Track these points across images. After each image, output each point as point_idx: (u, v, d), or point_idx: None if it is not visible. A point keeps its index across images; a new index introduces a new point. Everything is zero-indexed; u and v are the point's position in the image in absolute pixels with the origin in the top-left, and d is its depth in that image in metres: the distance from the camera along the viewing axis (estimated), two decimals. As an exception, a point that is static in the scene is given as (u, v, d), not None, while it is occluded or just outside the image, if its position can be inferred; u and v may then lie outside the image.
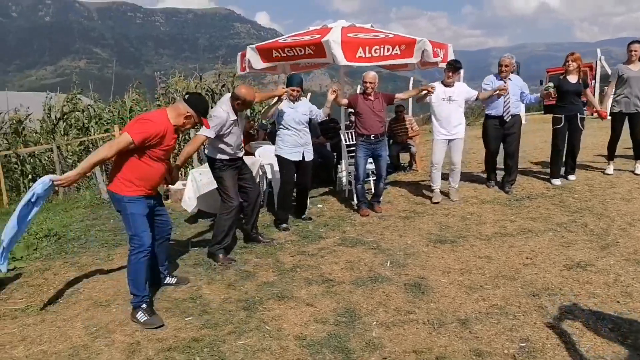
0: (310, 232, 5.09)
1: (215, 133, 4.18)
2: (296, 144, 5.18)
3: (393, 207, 5.88)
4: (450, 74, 5.72)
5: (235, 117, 4.34)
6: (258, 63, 6.43)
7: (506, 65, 5.97)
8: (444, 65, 6.44)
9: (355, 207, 5.80)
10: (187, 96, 3.49)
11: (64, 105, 12.68)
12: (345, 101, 5.69)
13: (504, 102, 5.94)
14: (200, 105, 3.45)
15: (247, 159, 6.24)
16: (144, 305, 3.25)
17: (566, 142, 6.16)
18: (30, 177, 11.10)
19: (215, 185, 5.40)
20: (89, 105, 12.72)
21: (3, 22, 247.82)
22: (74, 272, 4.24)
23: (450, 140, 5.78)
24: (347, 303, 3.43)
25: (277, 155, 5.29)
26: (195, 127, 3.90)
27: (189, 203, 5.48)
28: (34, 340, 3.06)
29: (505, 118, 5.99)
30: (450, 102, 5.69)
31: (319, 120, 5.70)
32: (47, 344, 3.00)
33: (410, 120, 8.31)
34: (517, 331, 2.94)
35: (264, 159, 6.29)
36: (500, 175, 6.37)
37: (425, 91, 5.69)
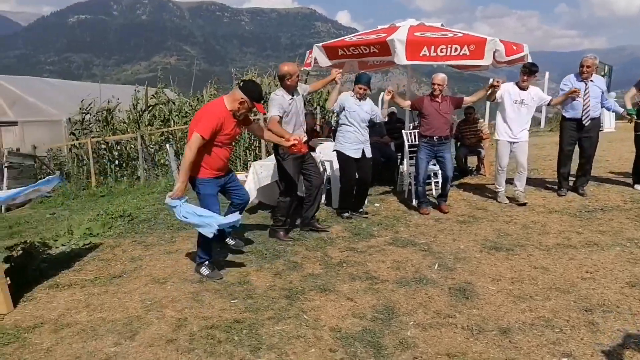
0: (363, 230, 5.12)
1: (280, 111, 4.44)
2: (357, 141, 5.25)
3: (452, 211, 5.74)
4: (525, 77, 5.59)
5: (291, 97, 4.55)
6: (324, 61, 6.55)
7: (588, 66, 5.68)
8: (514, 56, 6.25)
9: (416, 206, 5.80)
10: (242, 83, 3.77)
11: (150, 98, 13.65)
12: (407, 103, 5.69)
13: (584, 104, 5.66)
14: (252, 91, 3.70)
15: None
16: (207, 263, 3.85)
17: None
18: (116, 162, 12.09)
19: (275, 179, 5.61)
20: (171, 99, 13.58)
21: (105, 20, 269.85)
22: (139, 250, 4.60)
23: (513, 143, 5.65)
24: (387, 301, 3.43)
25: (337, 151, 5.38)
26: (252, 112, 4.08)
27: (250, 194, 5.71)
28: (96, 307, 3.39)
29: (584, 122, 5.69)
30: (522, 106, 5.58)
31: (379, 122, 5.70)
32: (107, 312, 3.31)
33: (482, 123, 8.04)
34: (560, 345, 2.80)
35: (324, 155, 6.39)
36: (571, 181, 6.06)
37: (492, 88, 5.51)
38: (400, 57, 5.79)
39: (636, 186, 6.06)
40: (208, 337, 2.95)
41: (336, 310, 3.31)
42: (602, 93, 5.81)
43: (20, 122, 15.40)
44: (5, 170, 11.03)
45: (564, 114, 5.95)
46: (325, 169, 6.42)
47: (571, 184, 6.13)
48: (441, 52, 5.84)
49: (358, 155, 5.28)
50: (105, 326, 3.11)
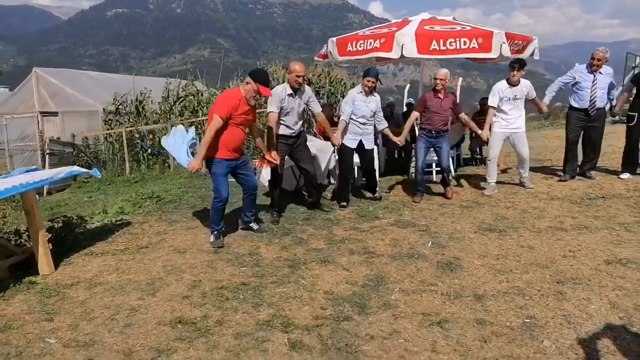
0: (369, 212, 5.50)
1: (277, 107, 4.87)
2: (355, 133, 5.54)
3: (457, 197, 6.04)
4: (515, 72, 5.77)
5: (291, 91, 4.94)
6: (337, 56, 6.90)
7: (598, 59, 5.93)
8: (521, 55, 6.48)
9: (412, 193, 6.07)
10: (250, 72, 4.38)
11: (182, 90, 14.28)
12: (417, 114, 5.88)
13: (591, 95, 5.89)
14: (257, 75, 4.28)
15: (322, 143, 6.81)
16: (215, 233, 4.44)
17: None
18: (149, 150, 12.78)
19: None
20: (200, 90, 14.17)
21: (142, 14, 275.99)
22: (164, 226, 5.12)
23: (511, 135, 5.89)
24: (379, 272, 3.82)
25: None
26: (260, 98, 4.60)
27: (265, 178, 6.15)
28: (124, 271, 3.91)
29: (590, 112, 5.92)
30: (515, 100, 5.82)
31: (379, 128, 5.83)
32: (133, 275, 3.82)
33: None
34: (527, 309, 3.12)
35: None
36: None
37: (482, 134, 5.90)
38: (412, 50, 6.10)
39: (622, 175, 6.25)
40: (218, 295, 3.41)
41: (332, 278, 3.72)
42: (609, 84, 6.00)
43: (60, 113, 16.34)
44: (47, 156, 11.86)
45: (571, 103, 6.16)
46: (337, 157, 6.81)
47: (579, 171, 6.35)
48: (450, 45, 6.11)
49: (354, 145, 5.57)
50: (131, 285, 3.62)
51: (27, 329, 2.98)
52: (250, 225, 4.82)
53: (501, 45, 6.07)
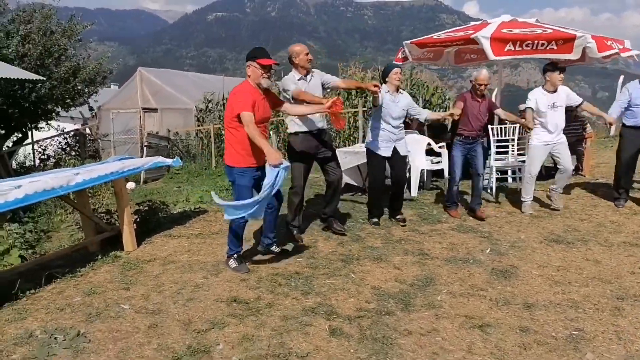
0: (432, 216, 5.50)
1: (292, 90, 4.21)
2: (388, 139, 4.92)
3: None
4: (551, 76, 5.27)
5: (300, 75, 4.37)
6: (416, 52, 6.95)
7: None
8: (626, 54, 6.12)
9: (446, 207, 5.64)
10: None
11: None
12: (459, 111, 5.26)
13: None
14: (254, 54, 3.69)
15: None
16: (235, 256, 3.91)
17: None
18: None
19: (356, 163, 6.17)
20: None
21: (239, 17, 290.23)
22: (235, 216, 5.53)
23: (553, 146, 5.41)
24: (430, 273, 3.87)
25: (366, 148, 5.14)
26: (270, 77, 3.85)
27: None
28: (195, 252, 4.32)
29: None
30: (556, 109, 5.30)
31: (422, 121, 5.48)
32: (202, 256, 4.22)
33: (584, 120, 7.73)
34: (577, 322, 3.04)
35: (408, 145, 6.81)
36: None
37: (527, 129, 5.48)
38: (488, 53, 6.03)
39: None
40: (272, 280, 3.68)
41: (382, 275, 3.83)
42: None
43: (159, 109, 17.84)
44: (145, 149, 13.06)
45: (624, 121, 5.66)
46: (408, 160, 6.84)
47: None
48: (527, 46, 5.96)
49: (388, 153, 4.96)
50: (198, 265, 4.00)
51: (108, 295, 3.45)
52: (272, 249, 4.08)
53: (584, 47, 5.79)
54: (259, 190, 3.68)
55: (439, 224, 5.23)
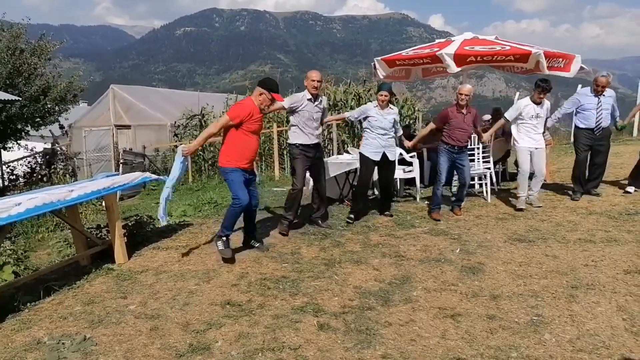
0: (406, 221, 5.87)
1: (289, 104, 5.15)
2: (378, 145, 5.64)
3: (495, 209, 6.28)
4: (542, 95, 5.90)
5: (310, 96, 5.19)
6: (383, 71, 7.39)
7: (603, 86, 6.16)
8: (566, 74, 6.70)
9: (430, 210, 6.06)
10: (260, 81, 4.52)
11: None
12: (431, 127, 6.02)
13: (597, 116, 6.17)
14: (267, 83, 4.43)
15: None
16: (224, 239, 4.45)
17: None
18: (210, 162, 13.77)
19: (333, 174, 6.50)
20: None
21: (208, 32, 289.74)
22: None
23: (534, 150, 6.00)
24: (406, 272, 4.21)
25: (360, 153, 5.85)
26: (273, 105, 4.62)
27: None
28: (185, 262, 4.55)
29: (595, 132, 6.21)
30: (538, 118, 5.98)
31: (398, 135, 6.01)
32: (192, 266, 4.45)
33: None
34: (537, 309, 3.42)
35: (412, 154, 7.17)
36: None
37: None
38: (452, 67, 6.51)
39: (628, 188, 6.49)
40: (261, 284, 3.95)
41: (362, 276, 4.15)
42: (613, 105, 6.29)
43: (133, 126, 17.87)
44: (121, 166, 13.12)
45: (576, 124, 6.39)
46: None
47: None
48: (486, 59, 6.50)
49: (378, 157, 5.66)
50: (190, 274, 4.24)
51: (107, 303, 3.65)
52: (251, 243, 4.83)
53: (537, 61, 6.37)
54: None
55: (413, 228, 5.60)
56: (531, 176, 6.19)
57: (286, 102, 5.18)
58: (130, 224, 5.33)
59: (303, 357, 2.88)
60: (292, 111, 5.27)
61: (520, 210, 6.04)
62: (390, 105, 5.76)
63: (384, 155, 5.69)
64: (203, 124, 14.79)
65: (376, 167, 5.85)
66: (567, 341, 2.98)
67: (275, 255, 4.70)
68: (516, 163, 8.48)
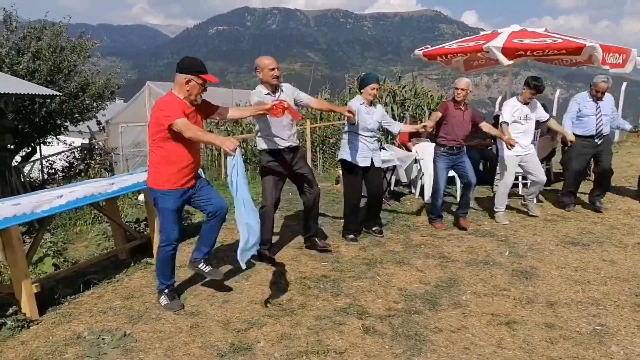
0: (447, 221, 5.63)
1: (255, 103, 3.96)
2: (366, 149, 4.76)
3: (543, 211, 5.97)
4: (531, 94, 5.41)
5: (268, 91, 4.06)
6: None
7: (603, 92, 5.69)
8: (615, 70, 6.31)
9: (430, 220, 5.51)
10: (177, 66, 3.32)
11: (273, 102, 15.23)
12: (438, 114, 5.16)
13: (597, 122, 5.69)
14: (191, 65, 3.26)
15: (402, 153, 7.05)
16: (167, 292, 3.47)
17: None
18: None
19: (385, 168, 6.19)
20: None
21: (240, 30, 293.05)
22: (256, 224, 5.67)
23: (523, 156, 5.50)
24: (452, 275, 4.00)
25: (342, 160, 4.90)
26: (205, 90, 3.37)
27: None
28: (222, 259, 4.44)
29: (596, 139, 5.73)
30: (527, 120, 5.47)
31: (394, 132, 5.12)
32: (230, 262, 4.32)
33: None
34: (599, 318, 3.17)
35: (420, 153, 6.99)
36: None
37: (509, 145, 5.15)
38: (502, 60, 6.23)
39: None
40: (301, 283, 3.81)
41: (406, 277, 3.97)
42: (612, 110, 5.86)
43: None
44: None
45: (574, 131, 5.83)
46: (420, 166, 7.00)
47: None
48: (537, 53, 6.18)
49: (367, 163, 4.78)
50: (229, 270, 4.14)
51: (146, 298, 3.58)
52: (200, 266, 3.56)
53: (591, 55, 5.99)
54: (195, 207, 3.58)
55: (455, 228, 5.36)
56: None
57: (253, 100, 4.06)
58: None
59: (349, 362, 2.72)
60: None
61: (500, 224, 5.46)
62: (374, 104, 4.87)
63: (372, 161, 4.83)
64: (239, 120, 14.79)
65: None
66: (637, 355, 2.73)
67: (314, 253, 4.56)
68: (562, 162, 8.15)
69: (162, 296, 3.48)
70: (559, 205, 6.07)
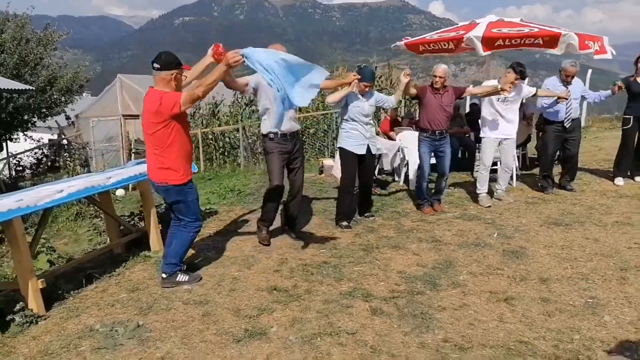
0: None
1: (252, 84, 4.15)
2: (362, 137, 4.91)
3: (522, 194, 6.21)
4: (514, 79, 5.43)
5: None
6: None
7: (572, 76, 5.92)
8: (599, 56, 6.55)
9: (418, 205, 5.67)
10: (158, 65, 3.33)
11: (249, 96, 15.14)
12: (413, 91, 5.33)
13: (566, 108, 5.95)
14: (173, 60, 3.37)
15: (388, 142, 7.19)
16: (180, 270, 3.67)
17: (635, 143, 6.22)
18: (221, 150, 13.69)
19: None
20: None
21: (207, 21, 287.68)
22: (248, 215, 5.70)
23: (502, 141, 5.68)
24: (447, 257, 4.16)
25: (340, 148, 5.08)
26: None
27: (338, 173, 6.60)
28: (220, 249, 4.49)
29: (565, 124, 5.99)
30: (507, 103, 5.55)
31: (387, 107, 5.47)
32: (230, 252, 4.40)
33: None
34: (590, 291, 3.38)
35: (404, 142, 7.14)
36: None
37: (502, 91, 5.25)
38: (479, 50, 6.41)
39: (616, 180, 6.39)
40: (304, 270, 3.90)
41: (404, 261, 4.10)
42: (581, 93, 6.18)
43: (141, 115, 17.76)
44: (133, 155, 13.03)
45: (546, 117, 6.16)
46: (404, 155, 7.16)
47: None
48: (514, 42, 6.38)
49: (362, 151, 4.93)
50: (229, 260, 4.19)
51: (151, 290, 3.60)
52: (166, 279, 3.64)
53: (568, 44, 6.23)
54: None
55: (443, 213, 5.53)
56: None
57: (252, 80, 4.15)
58: (159, 211, 5.27)
59: (363, 342, 2.83)
60: (255, 91, 4.27)
61: (488, 207, 5.65)
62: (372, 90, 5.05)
63: (367, 149, 4.99)
64: (216, 113, 14.66)
65: None
66: (627, 323, 2.94)
67: (311, 241, 4.64)
68: (536, 147, 8.46)
69: (180, 275, 3.65)
70: (538, 188, 6.33)
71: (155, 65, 3.32)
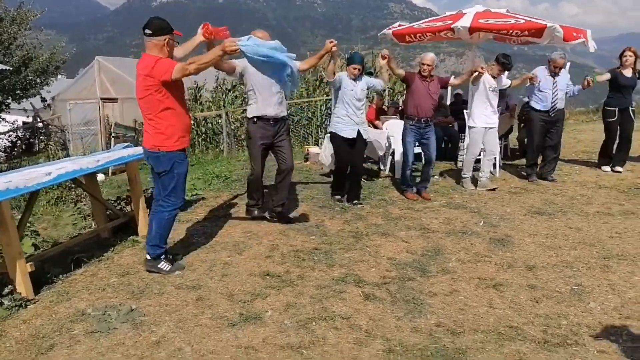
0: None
1: (240, 66, 4.18)
2: (352, 122, 5.08)
3: (506, 184, 6.33)
4: (499, 70, 5.73)
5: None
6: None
7: (560, 67, 6.11)
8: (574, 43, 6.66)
9: (402, 191, 5.82)
10: (150, 31, 3.31)
11: (233, 80, 14.93)
12: (401, 72, 5.58)
13: (552, 97, 6.12)
14: (166, 25, 3.35)
15: (375, 131, 7.22)
16: (163, 257, 3.60)
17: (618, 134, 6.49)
18: (203, 137, 13.53)
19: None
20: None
21: (185, 4, 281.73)
22: (236, 200, 5.68)
23: (488, 129, 5.86)
24: (435, 244, 4.23)
25: (331, 132, 5.27)
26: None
27: (325, 160, 6.63)
28: (210, 235, 4.47)
29: (550, 113, 6.17)
30: (494, 92, 5.77)
31: (380, 89, 5.65)
32: (219, 238, 4.38)
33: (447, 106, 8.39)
34: (575, 278, 3.49)
35: (390, 130, 7.18)
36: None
37: (477, 72, 5.48)
38: (466, 39, 6.49)
39: (603, 168, 6.70)
40: (295, 256, 3.91)
41: (393, 248, 4.16)
42: (568, 85, 6.35)
43: (120, 99, 17.37)
44: (112, 139, 12.76)
45: (533, 105, 6.34)
46: (390, 143, 7.21)
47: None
48: (501, 32, 6.48)
49: (353, 135, 5.10)
50: (219, 246, 4.17)
51: (142, 275, 3.57)
52: (160, 266, 3.57)
53: (553, 36, 6.35)
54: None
55: (429, 202, 5.61)
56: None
57: (240, 64, 4.16)
58: (146, 196, 5.20)
59: (357, 326, 2.87)
60: (242, 76, 4.31)
61: (466, 189, 5.96)
62: (361, 78, 5.16)
63: (359, 133, 5.15)
64: (198, 98, 14.45)
65: None
66: (612, 309, 3.05)
67: (301, 227, 4.65)
68: (518, 139, 8.61)
69: (161, 262, 3.57)
70: (521, 178, 6.46)
71: (147, 31, 3.32)
